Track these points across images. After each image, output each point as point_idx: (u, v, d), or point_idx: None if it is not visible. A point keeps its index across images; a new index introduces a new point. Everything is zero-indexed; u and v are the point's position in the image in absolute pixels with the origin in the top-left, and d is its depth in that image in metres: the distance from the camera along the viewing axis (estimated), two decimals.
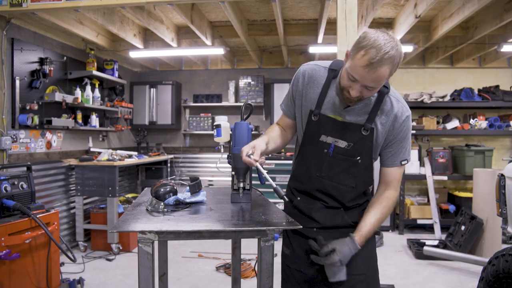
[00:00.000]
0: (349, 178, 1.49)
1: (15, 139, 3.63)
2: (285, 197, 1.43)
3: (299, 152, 1.59)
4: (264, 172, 1.45)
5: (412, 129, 5.14)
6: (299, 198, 1.59)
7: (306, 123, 1.51)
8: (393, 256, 4.31)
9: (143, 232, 1.22)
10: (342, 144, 1.45)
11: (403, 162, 1.49)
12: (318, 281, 1.51)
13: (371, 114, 1.41)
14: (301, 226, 1.33)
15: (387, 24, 4.73)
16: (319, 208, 1.53)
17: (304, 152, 1.55)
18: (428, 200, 5.40)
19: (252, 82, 6.04)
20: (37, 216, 2.76)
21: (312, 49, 4.79)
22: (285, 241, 1.65)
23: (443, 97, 5.43)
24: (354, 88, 1.30)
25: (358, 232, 1.43)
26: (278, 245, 1.66)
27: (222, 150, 1.86)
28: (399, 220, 5.27)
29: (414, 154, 5.40)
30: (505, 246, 2.99)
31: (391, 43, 1.21)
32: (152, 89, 6.08)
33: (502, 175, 2.46)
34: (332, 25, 4.41)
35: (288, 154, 5.64)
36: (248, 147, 1.40)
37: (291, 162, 1.76)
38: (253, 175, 1.70)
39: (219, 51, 4.92)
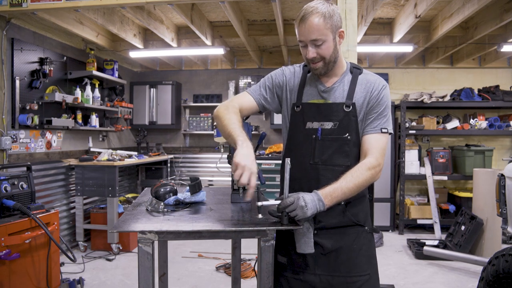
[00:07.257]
0: (342, 157, 1.47)
1: (15, 139, 3.63)
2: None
3: (287, 146, 1.58)
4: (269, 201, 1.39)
5: (412, 129, 5.28)
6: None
7: (290, 115, 1.55)
8: (393, 256, 4.31)
9: (143, 232, 1.22)
10: (328, 125, 1.47)
11: (383, 130, 1.46)
12: (320, 287, 1.47)
13: (349, 91, 1.48)
14: (301, 226, 1.32)
15: (387, 24, 4.73)
16: None
17: (293, 144, 1.55)
18: (428, 200, 5.40)
19: (252, 82, 6.02)
20: (37, 216, 2.76)
21: None
22: (280, 249, 1.55)
23: (443, 97, 5.43)
24: (308, 51, 1.42)
25: (321, 191, 1.34)
26: None
27: (222, 150, 1.86)
28: (399, 220, 5.27)
29: (414, 154, 5.40)
30: (505, 246, 2.99)
31: (316, 3, 1.38)
32: (152, 89, 6.08)
33: (502, 175, 2.46)
34: None
35: None
36: (246, 176, 1.26)
37: None
38: None
39: (219, 51, 4.92)
